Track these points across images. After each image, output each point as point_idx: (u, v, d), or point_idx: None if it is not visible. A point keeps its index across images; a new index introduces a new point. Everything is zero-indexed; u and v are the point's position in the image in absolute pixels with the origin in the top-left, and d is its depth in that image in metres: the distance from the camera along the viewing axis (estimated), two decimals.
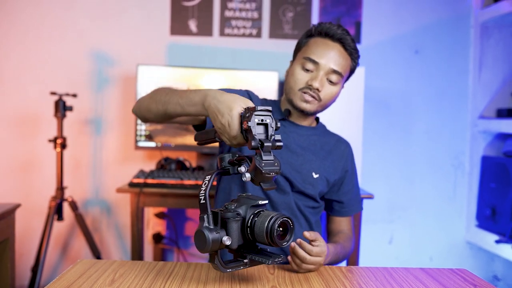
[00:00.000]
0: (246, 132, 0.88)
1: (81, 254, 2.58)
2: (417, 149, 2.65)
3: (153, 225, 2.55)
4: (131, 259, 2.12)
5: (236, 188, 1.32)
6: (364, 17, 2.59)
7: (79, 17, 2.53)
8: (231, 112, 0.90)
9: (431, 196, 2.67)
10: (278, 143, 0.87)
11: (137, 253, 2.06)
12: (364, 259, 2.47)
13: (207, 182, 0.89)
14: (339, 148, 1.41)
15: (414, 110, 2.64)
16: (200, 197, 0.87)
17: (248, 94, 1.38)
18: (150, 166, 2.52)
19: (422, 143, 2.65)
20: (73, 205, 2.27)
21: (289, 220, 0.86)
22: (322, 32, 1.29)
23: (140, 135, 2.30)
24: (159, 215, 2.49)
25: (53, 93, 2.24)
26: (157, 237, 2.51)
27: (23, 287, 2.53)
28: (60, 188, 2.25)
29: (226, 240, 0.85)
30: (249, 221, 0.87)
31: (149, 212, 2.54)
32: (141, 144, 2.30)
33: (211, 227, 0.86)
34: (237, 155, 0.92)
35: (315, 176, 1.31)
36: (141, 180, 2.03)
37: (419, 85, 2.64)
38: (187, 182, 2.04)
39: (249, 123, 0.85)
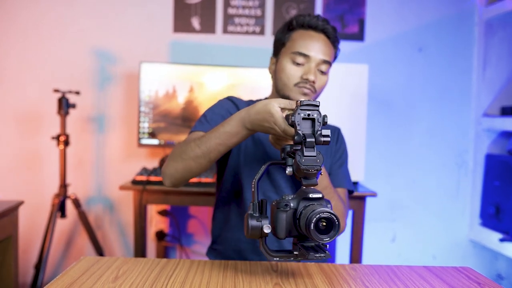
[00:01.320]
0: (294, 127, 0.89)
1: (84, 251, 2.58)
2: (421, 147, 2.64)
3: (156, 222, 2.55)
4: (134, 256, 2.12)
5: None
6: (368, 15, 2.58)
7: (82, 14, 2.53)
8: (271, 112, 0.95)
9: (434, 194, 2.66)
10: (324, 139, 0.87)
11: (140, 251, 2.06)
12: (367, 258, 2.46)
13: (260, 172, 0.91)
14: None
15: (417, 108, 2.63)
16: (252, 185, 0.92)
17: (231, 100, 1.38)
18: (153, 163, 2.52)
19: (425, 141, 2.64)
20: (76, 203, 2.27)
21: (334, 217, 0.83)
22: (304, 24, 1.29)
23: (143, 133, 2.29)
24: (162, 213, 2.50)
25: (56, 91, 2.24)
26: (160, 235, 2.51)
27: (26, 284, 2.54)
28: (63, 186, 2.25)
29: (266, 228, 0.87)
30: (298, 213, 0.88)
31: (152, 210, 2.54)
32: (144, 141, 2.30)
33: (255, 214, 0.89)
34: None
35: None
36: (144, 178, 2.03)
37: (422, 83, 2.63)
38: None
39: (293, 118, 0.86)
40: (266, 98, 1.42)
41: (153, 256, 2.58)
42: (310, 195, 0.88)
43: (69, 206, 2.37)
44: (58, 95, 2.29)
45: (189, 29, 2.55)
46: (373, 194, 2.07)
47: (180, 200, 2.09)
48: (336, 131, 1.44)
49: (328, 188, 1.21)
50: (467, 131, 2.66)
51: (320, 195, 0.88)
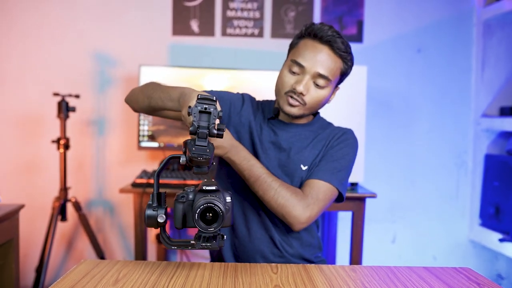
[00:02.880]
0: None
1: (84, 254, 2.58)
2: (420, 148, 2.65)
3: None
4: (135, 259, 2.12)
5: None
6: (366, 16, 2.59)
7: (82, 17, 2.53)
8: (189, 100, 1.00)
9: (434, 195, 2.66)
10: (218, 132, 0.92)
11: (140, 253, 2.06)
12: (367, 259, 2.46)
13: (161, 165, 0.95)
14: (326, 132, 1.35)
15: (416, 109, 2.64)
16: (154, 178, 0.97)
17: (243, 97, 1.38)
18: (153, 166, 2.53)
19: (424, 142, 2.65)
20: (77, 206, 2.27)
21: (218, 207, 0.88)
22: (311, 33, 1.24)
23: (143, 136, 2.30)
24: None
25: (56, 94, 2.24)
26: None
27: (27, 287, 2.54)
28: (64, 189, 2.25)
29: (159, 218, 0.93)
30: (194, 205, 0.92)
31: None
32: (144, 144, 2.31)
33: (154, 205, 0.94)
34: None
35: (303, 168, 1.29)
36: (144, 181, 2.04)
37: (421, 84, 2.63)
38: (190, 182, 2.05)
39: (189, 110, 0.91)
40: (273, 101, 1.41)
41: (153, 259, 2.58)
42: (204, 187, 0.93)
43: (70, 209, 2.37)
44: (58, 98, 2.29)
45: (188, 32, 2.55)
46: (373, 195, 2.07)
47: None
48: (341, 131, 1.35)
49: (261, 178, 1.17)
50: (466, 132, 2.66)
51: (214, 188, 0.94)
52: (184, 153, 0.95)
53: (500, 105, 2.59)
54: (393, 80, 2.62)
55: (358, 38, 2.59)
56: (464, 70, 2.65)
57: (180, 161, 0.93)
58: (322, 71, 1.21)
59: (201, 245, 0.91)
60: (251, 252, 1.31)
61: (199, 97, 0.91)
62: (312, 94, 1.23)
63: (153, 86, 1.21)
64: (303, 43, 1.26)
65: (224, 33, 2.56)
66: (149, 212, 0.93)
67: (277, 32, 2.57)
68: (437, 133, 2.65)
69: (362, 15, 2.59)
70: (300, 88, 1.21)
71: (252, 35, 2.57)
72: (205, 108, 0.91)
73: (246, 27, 2.56)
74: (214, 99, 0.92)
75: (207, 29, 2.56)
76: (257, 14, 2.56)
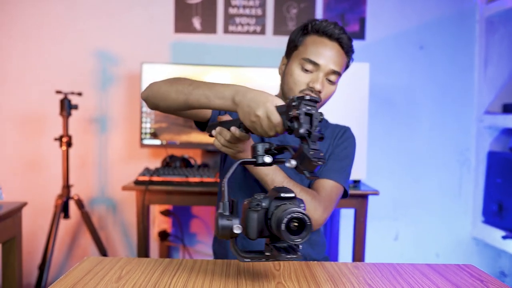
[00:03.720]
0: (290, 121, 0.88)
1: (87, 252, 2.59)
2: (422, 145, 2.64)
3: (158, 222, 2.56)
4: (137, 256, 2.13)
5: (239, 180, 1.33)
6: (368, 13, 2.58)
7: (83, 15, 2.53)
8: (267, 104, 0.91)
9: (436, 192, 2.66)
10: (321, 135, 0.88)
11: (143, 251, 2.07)
12: (370, 256, 2.46)
13: (231, 171, 0.89)
14: (329, 131, 1.39)
15: (419, 106, 2.63)
16: (222, 184, 0.88)
17: None
18: (155, 163, 2.53)
19: (427, 139, 2.64)
20: (79, 203, 2.28)
21: (305, 217, 0.82)
22: (319, 30, 1.26)
23: (145, 133, 2.30)
24: (165, 213, 2.50)
25: (58, 92, 2.25)
26: (163, 235, 2.51)
27: (30, 284, 2.55)
28: (66, 187, 2.26)
29: (236, 228, 0.84)
30: (270, 213, 0.86)
31: (155, 210, 2.55)
32: (146, 142, 2.31)
33: (226, 214, 0.86)
34: (274, 145, 0.93)
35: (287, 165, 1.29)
36: (146, 178, 2.04)
37: (424, 81, 2.63)
38: (192, 179, 2.05)
39: (298, 111, 0.86)
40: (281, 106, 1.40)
41: (156, 256, 2.58)
42: (282, 195, 0.87)
43: (72, 206, 2.37)
44: (60, 96, 2.29)
45: (190, 29, 2.55)
46: (376, 193, 2.07)
47: (182, 200, 2.09)
48: (342, 129, 1.40)
49: (284, 183, 1.18)
50: (469, 129, 2.66)
51: (292, 195, 0.87)
52: (255, 161, 0.92)
53: (502, 102, 2.58)
54: (395, 77, 2.61)
55: (360, 35, 2.58)
56: (467, 67, 2.64)
57: (289, 165, 0.87)
58: (335, 68, 1.25)
59: (287, 257, 0.85)
60: None
61: (306, 98, 0.87)
62: (326, 91, 1.26)
63: (188, 82, 1.09)
64: (311, 40, 1.27)
65: (226, 31, 2.56)
66: (224, 222, 0.84)
67: (279, 29, 2.56)
68: (439, 130, 2.64)
69: (364, 12, 2.58)
70: (318, 86, 1.23)
71: (254, 32, 2.56)
72: (309, 110, 0.86)
73: (248, 24, 2.56)
74: (318, 100, 0.89)
75: (209, 27, 2.55)
76: (259, 11, 2.55)
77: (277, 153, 0.93)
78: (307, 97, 0.87)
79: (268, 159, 0.92)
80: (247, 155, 1.09)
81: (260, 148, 0.93)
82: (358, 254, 2.09)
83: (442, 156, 2.65)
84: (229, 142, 1.04)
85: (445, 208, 2.67)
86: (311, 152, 0.85)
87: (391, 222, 2.66)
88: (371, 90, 2.39)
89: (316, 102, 0.88)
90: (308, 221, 0.82)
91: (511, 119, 2.36)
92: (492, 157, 2.52)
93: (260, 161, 0.93)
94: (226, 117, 1.13)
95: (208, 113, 1.23)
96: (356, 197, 2.07)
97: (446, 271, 1.02)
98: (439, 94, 2.64)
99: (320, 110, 1.36)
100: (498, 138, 2.57)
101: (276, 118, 0.91)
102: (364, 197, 2.09)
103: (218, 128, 1.06)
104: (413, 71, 2.62)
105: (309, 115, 0.87)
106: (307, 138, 0.86)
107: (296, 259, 0.86)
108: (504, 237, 2.32)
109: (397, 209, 2.65)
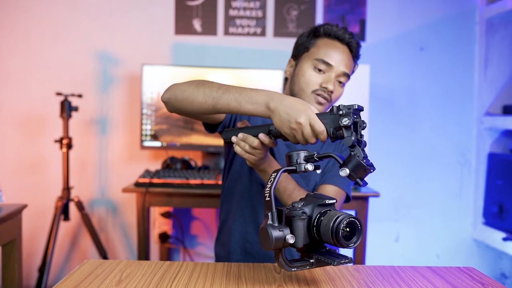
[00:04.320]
0: (336, 129, 0.91)
1: (87, 254, 2.59)
2: (423, 146, 2.64)
3: (159, 224, 2.55)
4: (138, 259, 2.13)
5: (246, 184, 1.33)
6: (369, 15, 2.58)
7: (84, 17, 2.53)
8: (308, 111, 0.93)
9: (437, 193, 2.66)
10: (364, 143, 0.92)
11: (143, 253, 2.06)
12: (371, 258, 2.46)
13: (272, 179, 0.88)
14: None
15: (419, 107, 2.63)
16: (265, 194, 0.87)
17: None
18: (156, 165, 2.53)
19: (427, 140, 2.64)
20: (79, 205, 2.28)
21: (356, 221, 0.84)
22: (331, 34, 1.29)
23: (146, 135, 2.30)
24: (165, 215, 2.50)
25: (58, 94, 2.25)
26: (163, 237, 2.51)
27: (30, 287, 2.54)
28: (66, 188, 2.25)
29: (290, 239, 0.84)
30: (315, 221, 0.87)
31: (155, 212, 2.55)
32: (146, 143, 2.31)
33: (275, 224, 0.85)
34: (315, 153, 0.93)
35: (318, 171, 1.30)
36: (146, 180, 2.04)
37: (424, 83, 2.63)
38: (192, 181, 2.05)
39: (350, 120, 0.88)
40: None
41: (156, 258, 2.58)
42: (327, 201, 0.88)
43: (73, 209, 2.37)
44: (61, 98, 2.29)
45: (191, 31, 2.55)
46: (376, 194, 2.07)
47: (183, 202, 2.09)
48: None
49: (296, 191, 1.20)
50: (469, 130, 2.65)
51: (334, 201, 0.89)
52: (295, 169, 0.92)
53: (503, 103, 2.58)
54: (396, 78, 2.61)
55: (361, 36, 2.58)
56: (467, 69, 2.64)
57: (343, 173, 0.89)
58: (346, 70, 1.28)
59: (341, 262, 0.86)
60: (262, 257, 1.32)
61: (355, 107, 0.89)
62: (336, 92, 1.29)
63: (217, 85, 1.07)
64: (322, 42, 1.29)
65: (226, 32, 2.56)
66: (277, 233, 0.83)
67: (279, 31, 2.56)
68: (440, 131, 2.64)
69: (365, 14, 2.58)
70: (331, 86, 1.25)
71: (255, 34, 2.56)
72: (355, 118, 0.89)
73: (249, 26, 2.56)
74: (362, 109, 0.91)
75: (209, 28, 2.55)
76: (259, 13, 2.55)
77: (318, 160, 0.93)
78: (356, 106, 0.89)
79: (310, 166, 0.92)
80: (267, 162, 1.12)
81: (299, 155, 0.93)
82: (359, 256, 2.09)
83: (442, 157, 2.65)
84: (254, 149, 1.05)
85: (446, 210, 2.66)
86: (364, 161, 0.88)
87: (392, 223, 2.66)
88: (372, 91, 2.39)
89: (361, 111, 0.90)
90: (359, 225, 0.85)
91: (511, 121, 2.36)
92: (492, 158, 2.52)
93: (302, 169, 0.93)
94: (245, 123, 1.14)
95: (221, 116, 1.23)
96: (356, 199, 2.07)
97: (447, 274, 1.02)
98: (440, 96, 2.64)
99: None
100: (498, 140, 2.57)
101: (320, 126, 0.92)
102: (365, 199, 2.09)
103: (241, 135, 1.05)
104: (414, 73, 2.62)
105: (355, 123, 0.90)
106: (357, 146, 0.88)
107: (348, 263, 0.87)
108: (504, 239, 2.32)
109: (397, 210, 2.65)
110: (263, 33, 2.57)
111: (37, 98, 2.53)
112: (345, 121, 0.88)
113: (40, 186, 2.55)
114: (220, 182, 2.03)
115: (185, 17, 2.54)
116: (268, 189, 0.87)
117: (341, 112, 0.90)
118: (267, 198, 0.86)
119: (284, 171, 0.92)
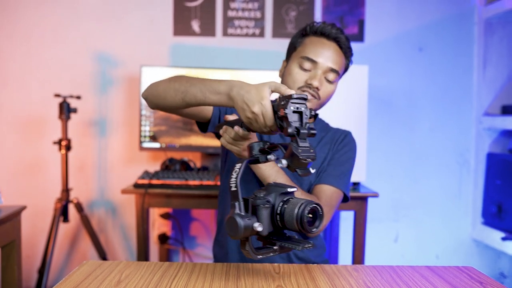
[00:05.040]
0: (280, 120, 0.89)
1: (87, 255, 2.59)
2: (422, 147, 2.64)
3: (158, 225, 2.55)
4: (137, 260, 2.12)
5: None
6: (367, 15, 2.59)
7: (83, 18, 2.53)
8: (263, 101, 0.91)
9: (436, 193, 2.66)
10: (312, 131, 0.88)
11: (142, 254, 2.06)
12: (370, 258, 2.46)
13: (237, 170, 0.89)
14: (329, 136, 1.39)
15: (418, 107, 2.63)
16: (231, 185, 0.88)
17: None
18: (155, 167, 2.53)
19: (426, 141, 2.64)
20: (79, 207, 2.28)
21: (318, 207, 0.86)
22: (317, 31, 1.29)
23: (145, 136, 2.30)
24: (164, 216, 2.50)
25: (57, 95, 2.25)
26: (163, 238, 2.51)
27: None
28: (66, 190, 2.25)
29: (258, 227, 0.85)
30: (279, 208, 0.88)
31: (154, 213, 2.55)
32: (145, 145, 2.31)
33: (243, 213, 0.86)
34: (268, 143, 0.93)
35: (312, 171, 1.30)
36: (146, 181, 2.04)
37: (423, 83, 2.63)
38: (191, 182, 2.05)
39: (286, 111, 0.86)
40: (275, 100, 1.41)
41: (155, 259, 2.58)
42: (288, 190, 0.90)
43: (72, 210, 2.37)
44: (59, 99, 2.29)
45: (189, 32, 2.55)
46: (375, 195, 2.07)
47: (182, 203, 2.09)
48: (343, 134, 1.41)
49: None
50: (468, 130, 2.66)
51: (295, 189, 0.91)
52: (257, 158, 0.93)
53: (502, 103, 2.58)
54: (394, 79, 2.62)
55: (359, 37, 2.58)
56: (466, 69, 2.64)
57: (280, 165, 0.89)
58: (333, 66, 1.26)
59: (305, 246, 0.87)
60: None
61: (294, 96, 0.87)
62: (325, 89, 1.27)
63: (186, 79, 1.09)
64: (309, 40, 1.29)
65: (225, 33, 2.56)
66: (245, 222, 0.84)
67: (278, 32, 2.56)
68: (439, 131, 2.65)
69: (363, 14, 2.58)
70: (316, 82, 1.24)
71: (253, 35, 2.57)
72: (297, 108, 0.87)
73: (247, 27, 2.56)
74: (306, 97, 0.89)
75: (208, 29, 2.56)
76: (258, 14, 2.56)
77: (270, 151, 0.94)
78: (295, 95, 0.87)
79: (272, 157, 0.93)
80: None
81: (256, 147, 0.94)
82: (358, 256, 2.09)
83: (441, 157, 2.66)
84: (234, 140, 1.06)
85: (445, 210, 2.67)
86: (299, 151, 0.86)
87: (391, 224, 2.66)
88: (370, 92, 2.39)
89: (305, 99, 0.89)
90: (320, 211, 0.87)
91: (510, 121, 2.37)
92: (491, 158, 2.52)
93: (263, 159, 0.93)
94: (233, 117, 1.14)
95: (209, 113, 1.24)
96: (355, 199, 2.07)
97: (446, 274, 1.02)
98: (438, 96, 2.64)
99: (318, 112, 1.38)
100: (497, 140, 2.58)
101: (270, 117, 0.91)
102: (364, 199, 2.09)
103: (224, 127, 1.08)
104: (412, 73, 2.63)
105: (298, 112, 0.88)
106: (296, 137, 0.87)
107: (310, 247, 0.89)
108: (503, 239, 2.32)
109: (397, 210, 2.65)
110: (261, 34, 2.57)
111: (36, 99, 2.53)
112: (282, 112, 0.87)
113: (39, 188, 2.54)
114: (219, 183, 2.04)
115: (184, 18, 2.55)
116: (234, 179, 0.88)
117: (282, 103, 0.88)
118: (233, 188, 0.87)
119: (248, 162, 0.93)
